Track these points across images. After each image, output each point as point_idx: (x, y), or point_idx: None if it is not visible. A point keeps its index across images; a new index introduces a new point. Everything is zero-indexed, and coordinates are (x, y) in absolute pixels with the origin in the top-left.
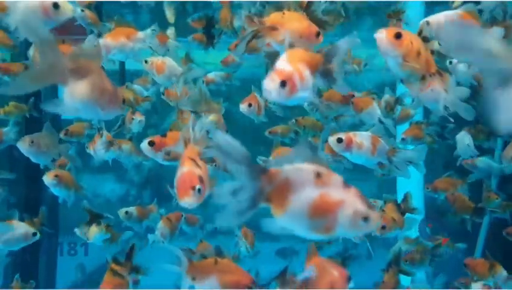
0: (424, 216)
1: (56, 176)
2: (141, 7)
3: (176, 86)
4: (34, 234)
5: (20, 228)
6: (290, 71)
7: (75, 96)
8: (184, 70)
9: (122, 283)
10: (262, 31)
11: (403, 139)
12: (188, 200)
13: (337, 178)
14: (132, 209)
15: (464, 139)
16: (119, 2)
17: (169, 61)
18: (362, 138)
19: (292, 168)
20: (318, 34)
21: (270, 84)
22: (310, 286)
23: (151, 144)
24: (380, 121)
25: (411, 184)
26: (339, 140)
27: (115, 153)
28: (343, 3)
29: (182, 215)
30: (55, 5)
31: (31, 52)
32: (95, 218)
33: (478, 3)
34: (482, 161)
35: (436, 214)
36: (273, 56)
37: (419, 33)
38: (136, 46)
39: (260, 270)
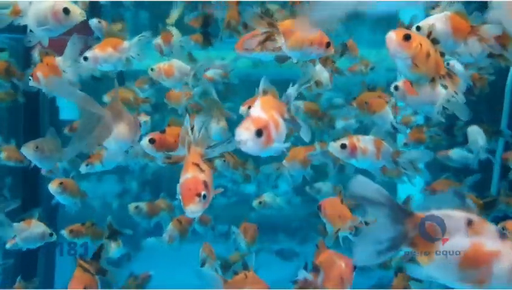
0: None
1: (61, 183)
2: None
3: (189, 81)
4: (51, 235)
5: (39, 227)
6: (265, 120)
7: (119, 139)
8: (193, 66)
9: (92, 281)
10: (276, 34)
11: (405, 144)
12: (194, 208)
13: (491, 227)
14: (142, 204)
15: (477, 137)
16: (118, 2)
17: (176, 63)
18: (366, 143)
19: (441, 213)
20: (328, 45)
21: (245, 133)
22: (321, 280)
23: (151, 141)
24: (393, 127)
25: (412, 186)
26: (343, 146)
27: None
28: None
29: (194, 217)
30: (66, 11)
31: (36, 55)
32: (113, 233)
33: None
34: (456, 153)
35: None
36: (283, 60)
37: (429, 35)
38: (122, 56)
39: (260, 271)
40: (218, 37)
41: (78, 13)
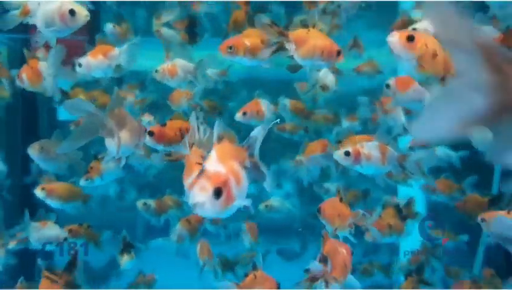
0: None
1: (43, 189)
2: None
3: (195, 81)
4: (65, 239)
5: (54, 229)
6: (224, 175)
7: (124, 145)
8: (196, 63)
9: None
10: (288, 44)
11: (410, 148)
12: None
13: None
14: (150, 201)
15: (485, 134)
16: (116, 2)
17: (179, 62)
18: (370, 148)
19: None
20: (339, 53)
21: (200, 196)
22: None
23: (150, 134)
24: (405, 128)
25: (412, 186)
26: (347, 153)
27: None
28: (339, 5)
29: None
30: (72, 12)
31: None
32: (126, 247)
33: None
34: (441, 151)
35: (435, 214)
36: (295, 69)
37: None
38: (112, 63)
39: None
40: (203, 36)
41: (84, 15)
